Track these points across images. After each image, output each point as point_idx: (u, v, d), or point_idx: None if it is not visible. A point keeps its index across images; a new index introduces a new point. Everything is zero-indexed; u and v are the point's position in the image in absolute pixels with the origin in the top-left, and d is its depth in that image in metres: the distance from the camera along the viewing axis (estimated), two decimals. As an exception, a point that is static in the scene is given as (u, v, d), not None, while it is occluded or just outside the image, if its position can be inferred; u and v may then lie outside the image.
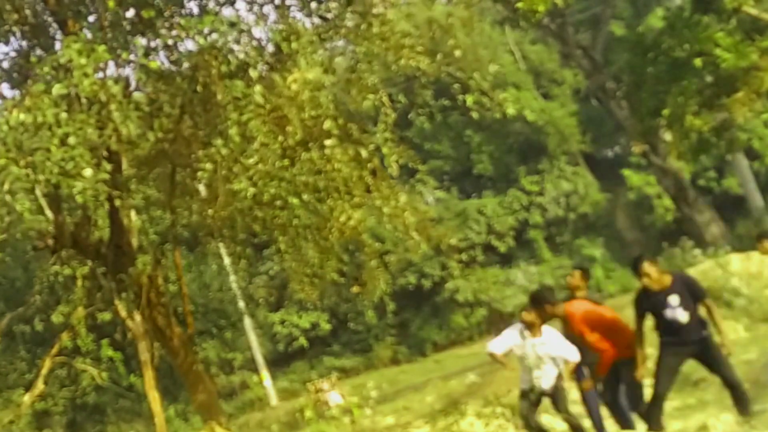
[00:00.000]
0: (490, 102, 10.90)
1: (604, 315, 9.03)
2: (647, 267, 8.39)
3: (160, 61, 10.44)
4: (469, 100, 10.72)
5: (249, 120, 9.33)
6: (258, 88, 9.48)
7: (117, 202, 10.27)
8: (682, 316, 8.38)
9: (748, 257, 17.31)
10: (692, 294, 8.47)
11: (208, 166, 9.64)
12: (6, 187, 8.61)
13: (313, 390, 23.48)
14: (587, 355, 8.95)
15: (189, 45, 10.41)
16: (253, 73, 9.73)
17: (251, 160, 9.71)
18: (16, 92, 10.87)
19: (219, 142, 9.55)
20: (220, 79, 9.57)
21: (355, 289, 13.73)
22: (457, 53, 10.96)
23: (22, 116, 8.72)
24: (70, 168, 8.72)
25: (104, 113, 9.20)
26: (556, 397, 9.07)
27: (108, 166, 9.37)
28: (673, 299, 8.38)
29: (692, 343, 8.51)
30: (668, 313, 8.38)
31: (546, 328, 9.02)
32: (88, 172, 8.80)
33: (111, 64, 10.16)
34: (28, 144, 8.80)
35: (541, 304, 8.81)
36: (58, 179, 8.77)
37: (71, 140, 8.78)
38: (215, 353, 33.02)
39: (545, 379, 9.02)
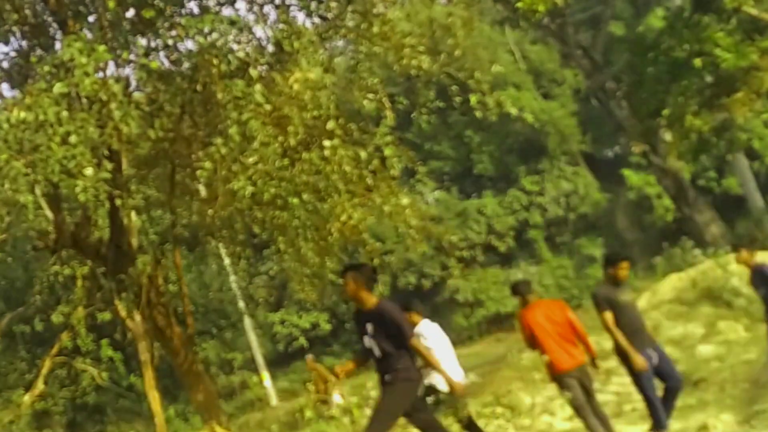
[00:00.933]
0: (490, 102, 10.92)
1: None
2: (348, 280, 7.39)
3: (159, 61, 10.44)
4: (473, 100, 10.73)
5: (249, 119, 9.33)
6: (258, 87, 9.47)
7: (118, 202, 10.25)
8: (375, 349, 7.30)
9: (749, 257, 17.29)
10: (385, 327, 7.21)
11: (208, 165, 9.64)
12: (7, 185, 8.60)
13: (313, 390, 23.44)
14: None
15: (189, 45, 10.42)
16: (253, 73, 9.73)
17: (251, 159, 9.70)
18: (16, 92, 10.87)
19: (219, 141, 9.55)
20: (220, 79, 9.56)
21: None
22: (458, 52, 10.96)
23: (22, 114, 8.71)
24: (71, 166, 8.72)
25: (105, 112, 9.20)
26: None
27: (109, 165, 9.38)
28: (369, 326, 7.35)
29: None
30: (366, 341, 7.39)
31: (424, 321, 9.46)
32: (89, 170, 8.80)
33: (111, 64, 10.17)
34: (29, 142, 8.80)
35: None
36: (60, 177, 8.76)
37: (72, 139, 8.78)
38: (215, 353, 33.01)
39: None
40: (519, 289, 9.20)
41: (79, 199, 8.96)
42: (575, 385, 8.63)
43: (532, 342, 8.87)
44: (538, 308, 9.02)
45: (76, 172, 8.74)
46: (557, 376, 8.77)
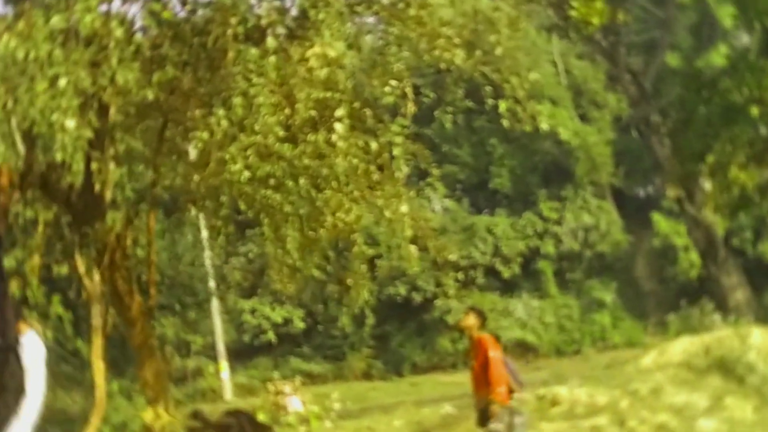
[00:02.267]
0: (522, 112, 10.90)
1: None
2: None
3: (171, 7, 10.42)
4: (502, 106, 10.71)
5: (257, 93, 9.30)
6: (272, 59, 9.45)
7: (93, 166, 10.25)
8: None
9: (772, 332, 17.32)
10: None
11: (204, 136, 9.65)
12: None
13: (273, 391, 23.46)
14: None
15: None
16: (270, 43, 9.70)
17: (253, 138, 9.68)
18: (9, 11, 10.83)
19: (221, 112, 9.52)
20: (233, 41, 9.54)
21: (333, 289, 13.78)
22: (499, 51, 10.92)
23: (12, 44, 8.68)
24: (54, 119, 8.71)
25: (101, 56, 9.17)
26: None
27: (95, 121, 9.35)
28: None
29: None
30: None
31: None
32: (70, 123, 8.78)
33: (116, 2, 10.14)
34: (15, 79, 8.76)
35: None
36: (40, 127, 8.77)
37: (61, 83, 8.76)
38: (174, 332, 33.00)
39: None
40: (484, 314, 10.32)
41: (56, 158, 8.96)
42: None
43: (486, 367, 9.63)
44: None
45: (58, 127, 8.74)
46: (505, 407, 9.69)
